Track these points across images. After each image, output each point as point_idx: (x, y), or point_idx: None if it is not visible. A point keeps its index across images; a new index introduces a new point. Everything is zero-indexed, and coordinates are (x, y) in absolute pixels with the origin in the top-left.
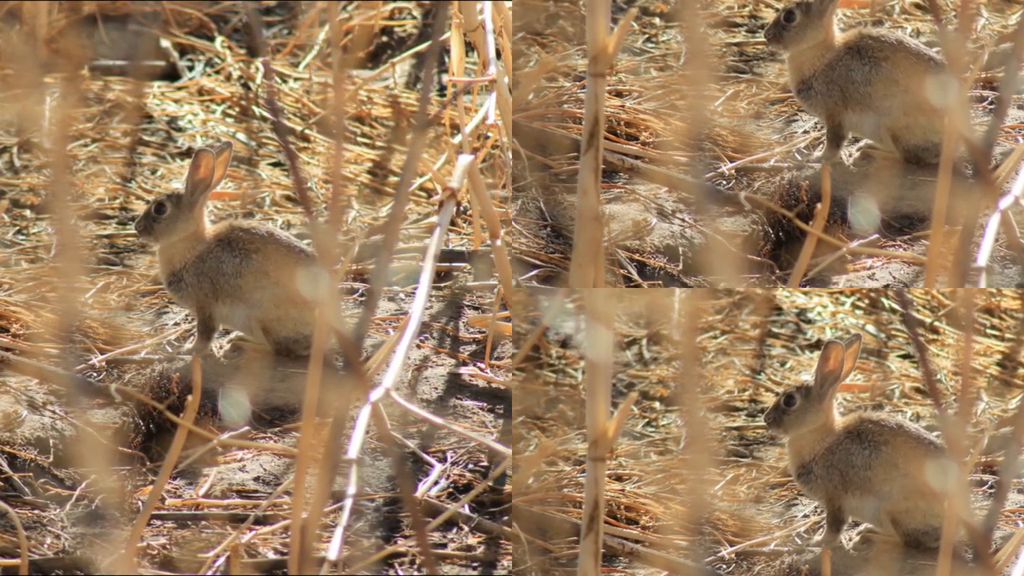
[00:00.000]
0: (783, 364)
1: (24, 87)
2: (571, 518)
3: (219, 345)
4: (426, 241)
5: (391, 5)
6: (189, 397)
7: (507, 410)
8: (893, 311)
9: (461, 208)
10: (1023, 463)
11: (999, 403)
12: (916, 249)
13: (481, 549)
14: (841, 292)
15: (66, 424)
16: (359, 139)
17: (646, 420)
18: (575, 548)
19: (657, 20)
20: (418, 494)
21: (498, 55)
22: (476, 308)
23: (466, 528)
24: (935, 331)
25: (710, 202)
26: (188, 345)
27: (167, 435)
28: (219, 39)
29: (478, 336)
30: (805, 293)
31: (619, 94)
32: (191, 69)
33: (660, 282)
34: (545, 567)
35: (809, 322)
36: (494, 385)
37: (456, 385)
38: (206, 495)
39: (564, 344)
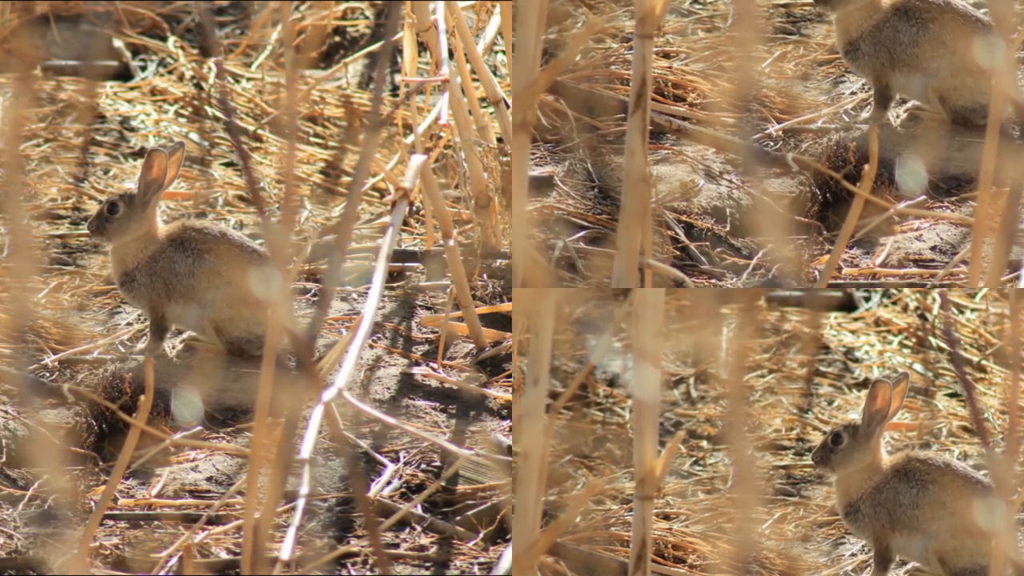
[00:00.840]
0: (830, 403)
1: (701, 317)
2: (619, 557)
3: (172, 345)
4: (379, 241)
5: (344, 5)
6: (142, 397)
7: (460, 410)
8: (940, 350)
9: (414, 208)
10: None
11: None
12: (964, 211)
13: (434, 549)
14: (889, 331)
15: (19, 424)
16: (312, 139)
17: (693, 459)
18: None
19: None
20: (371, 494)
21: (451, 55)
22: (428, 308)
23: (419, 528)
24: (982, 370)
25: (757, 163)
26: (141, 345)
27: (120, 435)
28: (172, 39)
29: (431, 336)
30: (853, 331)
31: (667, 55)
32: (144, 69)
33: (707, 243)
34: None
35: (856, 361)
36: (447, 385)
37: (409, 385)
38: (159, 495)
39: (611, 383)
